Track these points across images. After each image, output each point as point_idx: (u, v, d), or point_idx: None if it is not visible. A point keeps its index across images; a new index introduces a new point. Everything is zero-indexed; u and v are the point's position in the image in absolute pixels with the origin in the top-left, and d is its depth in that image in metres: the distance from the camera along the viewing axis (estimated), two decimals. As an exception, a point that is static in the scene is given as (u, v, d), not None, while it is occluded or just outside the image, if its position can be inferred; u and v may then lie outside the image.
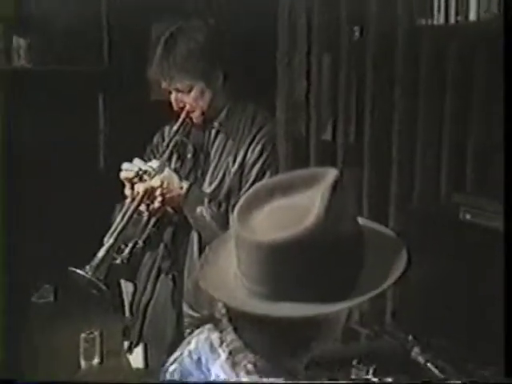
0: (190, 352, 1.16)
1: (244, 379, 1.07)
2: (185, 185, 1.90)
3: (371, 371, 1.76)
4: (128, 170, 1.86)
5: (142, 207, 1.86)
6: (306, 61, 1.99)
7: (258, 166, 1.94)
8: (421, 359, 1.36)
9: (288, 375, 1.09)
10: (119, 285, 2.39)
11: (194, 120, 1.97)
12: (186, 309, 1.99)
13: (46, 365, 2.33)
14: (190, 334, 1.23)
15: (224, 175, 1.96)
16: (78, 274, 1.76)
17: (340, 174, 1.08)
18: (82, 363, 2.30)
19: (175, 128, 1.97)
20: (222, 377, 1.08)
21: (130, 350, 2.12)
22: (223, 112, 2.00)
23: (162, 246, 2.02)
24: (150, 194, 1.85)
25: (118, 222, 1.82)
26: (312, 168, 1.19)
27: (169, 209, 1.92)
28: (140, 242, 1.90)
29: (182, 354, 1.18)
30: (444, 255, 1.93)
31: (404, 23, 1.91)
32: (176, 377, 1.15)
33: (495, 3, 1.68)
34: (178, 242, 2.01)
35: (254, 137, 1.97)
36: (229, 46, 2.03)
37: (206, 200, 1.91)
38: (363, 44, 1.97)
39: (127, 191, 1.87)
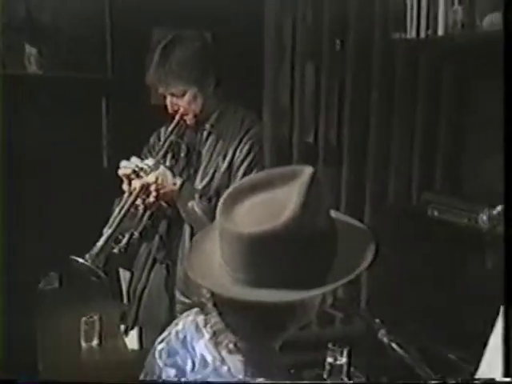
0: (177, 332, 1.17)
1: (226, 357, 1.08)
2: (178, 181, 1.90)
3: (345, 353, 1.76)
4: (126, 167, 1.86)
5: (139, 201, 1.85)
6: (290, 69, 1.99)
7: (245, 164, 1.94)
8: (386, 340, 1.37)
9: (264, 355, 1.09)
10: (118, 273, 2.39)
11: (188, 122, 1.97)
12: (178, 295, 1.99)
13: (51, 345, 2.33)
14: (180, 317, 1.24)
15: (214, 173, 1.96)
16: (79, 261, 1.76)
17: (316, 171, 1.10)
18: (83, 344, 2.29)
19: (170, 129, 1.97)
20: (206, 354, 1.09)
21: (126, 332, 2.12)
22: (214, 115, 2.00)
23: (156, 237, 2.02)
24: (145, 189, 1.85)
25: (116, 214, 1.82)
26: (290, 166, 1.20)
27: (163, 203, 1.91)
28: (136, 234, 1.89)
29: (169, 334, 1.18)
30: (414, 248, 1.94)
31: (380, 36, 1.93)
32: (164, 355, 1.15)
33: (459, 22, 1.70)
34: (172, 233, 2.01)
35: (242, 138, 1.97)
36: (221, 55, 2.03)
37: (198, 195, 1.91)
38: (344, 54, 1.98)
39: (125, 186, 1.87)
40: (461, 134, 1.98)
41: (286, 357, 1.84)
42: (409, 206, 2.03)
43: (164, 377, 1.13)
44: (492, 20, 1.61)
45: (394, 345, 1.35)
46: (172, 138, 1.97)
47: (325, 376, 1.78)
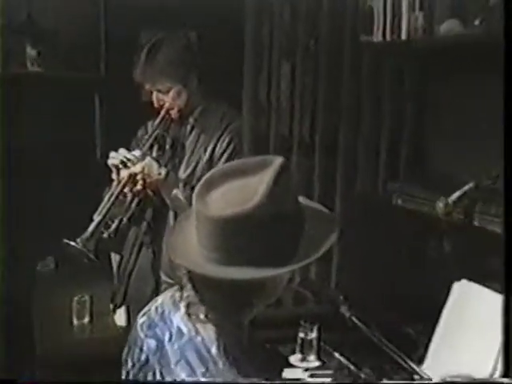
0: (156, 307, 1.18)
1: (199, 328, 1.09)
2: (163, 171, 1.91)
3: (315, 329, 1.79)
4: (114, 157, 1.87)
5: (126, 190, 1.87)
6: (268, 68, 2.00)
7: (225, 156, 1.95)
8: (347, 314, 1.39)
9: (235, 327, 1.11)
10: (109, 256, 2.39)
11: (173, 116, 1.98)
12: (163, 276, 2.01)
13: (47, 321, 2.34)
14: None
15: (197, 163, 1.97)
16: (71, 245, 1.77)
17: (285, 161, 1.11)
18: (75, 321, 2.30)
19: (156, 123, 1.98)
20: (182, 326, 1.11)
21: (115, 310, 2.14)
22: (197, 110, 2.01)
23: (144, 223, 2.03)
24: (133, 178, 1.86)
25: (106, 202, 1.83)
26: (262, 156, 1.21)
27: (149, 191, 1.92)
28: (125, 220, 1.91)
29: (150, 309, 1.20)
30: (379, 233, 1.97)
31: (350, 39, 1.94)
32: (145, 327, 1.17)
33: (420, 27, 1.72)
34: (158, 219, 2.02)
35: (223, 131, 1.98)
36: (203, 55, 2.04)
37: (181, 184, 1.92)
38: (317, 54, 1.99)
39: (114, 176, 1.88)
40: (422, 130, 2.01)
41: (263, 333, 1.87)
42: (375, 194, 2.05)
43: (145, 347, 1.14)
44: (449, 26, 1.64)
45: (354, 318, 1.37)
46: (158, 131, 1.98)
47: (297, 350, 1.81)
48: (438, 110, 1.91)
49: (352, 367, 1.69)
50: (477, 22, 1.50)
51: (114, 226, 1.86)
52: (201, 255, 1.07)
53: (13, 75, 2.71)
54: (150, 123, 2.07)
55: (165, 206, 1.96)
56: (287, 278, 1.16)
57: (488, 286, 1.46)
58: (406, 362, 1.35)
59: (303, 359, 1.77)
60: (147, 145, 1.94)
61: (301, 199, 1.15)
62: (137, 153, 1.89)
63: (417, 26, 1.73)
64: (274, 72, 2.00)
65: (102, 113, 3.02)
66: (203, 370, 1.05)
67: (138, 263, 2.08)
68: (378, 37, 1.85)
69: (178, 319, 1.11)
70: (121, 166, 1.85)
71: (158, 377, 1.09)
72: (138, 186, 1.86)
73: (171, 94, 1.93)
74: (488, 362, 1.33)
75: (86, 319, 2.31)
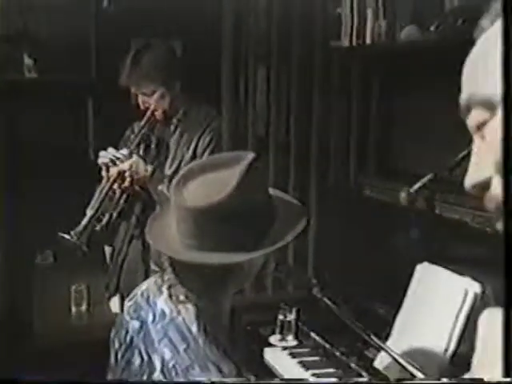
0: (142, 292, 1.20)
1: (181, 310, 1.11)
2: (149, 168, 1.92)
3: (293, 311, 1.81)
4: (104, 156, 1.88)
5: (116, 186, 1.88)
6: (244, 72, 2.02)
7: (207, 153, 1.96)
8: (319, 295, 1.42)
9: (214, 308, 1.14)
10: (103, 248, 2.40)
11: (157, 117, 1.99)
12: (152, 266, 2.01)
13: (47, 309, 2.35)
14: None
15: (181, 160, 1.98)
16: (66, 238, 1.78)
17: (256, 157, 1.14)
18: (73, 309, 2.31)
19: (142, 123, 1.99)
20: (165, 308, 1.12)
21: (109, 298, 2.15)
22: (180, 111, 2.02)
23: (133, 217, 2.03)
24: (121, 175, 1.87)
25: (97, 197, 1.84)
26: (235, 152, 1.23)
27: (137, 187, 1.93)
28: (115, 214, 1.92)
29: (136, 294, 1.22)
30: (351, 221, 1.99)
31: (320, 44, 1.97)
32: (131, 310, 1.18)
33: (383, 33, 1.75)
34: (146, 213, 2.02)
35: (204, 131, 1.99)
36: (185, 60, 2.05)
37: (167, 180, 1.93)
38: (290, 59, 2.02)
39: (104, 173, 1.89)
40: (388, 128, 2.04)
41: (246, 316, 1.89)
42: (347, 186, 2.08)
43: (130, 329, 1.16)
44: (408, 31, 1.67)
45: (325, 299, 1.40)
46: (144, 131, 1.99)
47: (276, 331, 1.83)
48: (402, 109, 1.95)
49: (327, 346, 1.72)
50: (432, 28, 1.53)
51: (105, 219, 1.87)
52: (178, 242, 1.09)
53: (10, 81, 2.71)
54: (136, 124, 2.08)
55: (152, 201, 1.97)
56: (260, 262, 1.17)
57: (448, 268, 1.50)
58: (371, 339, 1.38)
59: (282, 339, 1.80)
60: (134, 144, 1.95)
61: (271, 191, 1.17)
62: (125, 151, 1.90)
63: (380, 31, 1.76)
64: (250, 76, 2.02)
65: (94, 115, 3.03)
66: (185, 346, 1.06)
67: (129, 254, 2.08)
68: (345, 42, 1.88)
69: (162, 302, 1.13)
70: (110, 164, 1.86)
71: (144, 355, 1.11)
72: (127, 183, 1.87)
73: (155, 96, 1.95)
74: (444, 336, 1.36)
75: (83, 307, 2.32)
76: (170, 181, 1.93)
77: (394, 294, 1.60)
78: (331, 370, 1.62)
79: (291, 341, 1.79)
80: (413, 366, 1.24)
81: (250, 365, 1.64)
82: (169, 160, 2.00)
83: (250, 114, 2.02)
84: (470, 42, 0.49)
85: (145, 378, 1.08)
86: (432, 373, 1.26)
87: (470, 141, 0.50)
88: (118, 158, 1.86)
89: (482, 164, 0.47)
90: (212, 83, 2.02)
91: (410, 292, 1.54)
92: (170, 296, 1.12)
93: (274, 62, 2.01)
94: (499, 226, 0.46)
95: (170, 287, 1.13)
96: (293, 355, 1.72)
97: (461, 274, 1.42)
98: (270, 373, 1.69)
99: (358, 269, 1.90)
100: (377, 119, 2.01)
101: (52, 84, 2.85)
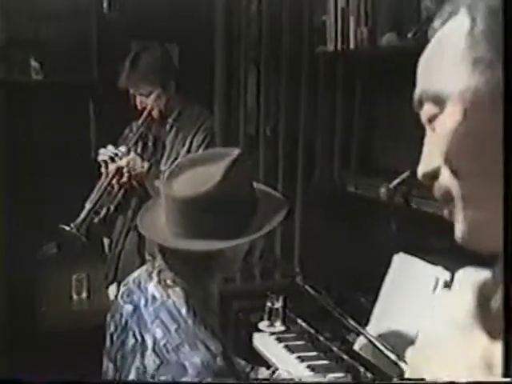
0: (134, 279, 1.22)
1: (170, 294, 1.13)
2: (146, 165, 1.93)
3: (281, 299, 1.83)
4: (104, 154, 1.90)
5: (114, 181, 1.89)
6: (236, 74, 2.04)
7: (200, 151, 1.98)
8: (301, 283, 1.44)
9: (201, 291, 1.16)
10: (102, 241, 2.41)
11: (154, 116, 2.00)
12: (147, 256, 2.02)
13: (50, 297, 2.36)
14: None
15: (176, 158, 1.98)
16: (66, 229, 1.79)
17: (242, 153, 1.16)
18: (74, 296, 2.33)
19: (140, 123, 2.00)
20: (155, 293, 1.14)
21: (108, 287, 2.16)
22: (176, 112, 2.03)
23: (130, 210, 2.04)
24: (119, 171, 1.88)
25: (96, 191, 1.85)
26: (223, 148, 1.25)
27: (134, 183, 1.94)
28: (112, 207, 1.93)
29: (129, 281, 1.24)
30: (336, 215, 2.01)
31: (307, 48, 1.99)
32: (124, 295, 1.20)
33: (365, 39, 1.77)
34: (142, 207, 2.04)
35: (198, 130, 2.00)
36: (180, 63, 2.07)
37: (162, 176, 1.94)
38: (279, 62, 2.03)
39: (103, 169, 1.90)
40: (370, 128, 2.06)
41: (236, 303, 1.91)
42: (331, 183, 2.10)
43: (124, 312, 1.18)
44: (388, 38, 1.69)
45: (307, 287, 1.42)
46: (142, 130, 2.00)
47: (265, 317, 1.85)
48: (383, 110, 1.97)
49: (312, 331, 1.75)
50: (410, 35, 1.55)
51: (103, 212, 1.89)
52: (167, 231, 1.11)
53: (18, 83, 2.72)
54: (134, 123, 2.08)
55: (148, 196, 1.97)
56: (244, 250, 1.19)
57: (422, 258, 1.52)
58: (349, 323, 1.41)
59: (270, 325, 1.81)
60: (132, 142, 1.96)
61: (255, 185, 1.20)
62: (123, 149, 1.91)
63: (362, 37, 1.78)
64: (241, 79, 2.04)
65: (95, 114, 3.04)
66: (176, 326, 1.09)
67: (125, 245, 2.09)
68: (330, 47, 1.90)
69: (152, 287, 1.15)
70: (109, 160, 1.87)
71: (138, 336, 1.13)
72: (124, 178, 1.88)
73: (152, 97, 1.96)
74: (417, 320, 1.38)
75: (84, 294, 2.34)
76: (166, 176, 1.96)
77: (374, 282, 1.63)
78: (315, 354, 1.64)
79: (279, 327, 1.81)
80: (385, 346, 1.27)
81: (240, 349, 1.67)
82: (164, 157, 2.01)
83: (241, 114, 2.04)
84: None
85: (138, 357, 1.10)
86: (405, 353, 1.28)
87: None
88: (116, 155, 1.88)
89: (432, 155, 0.48)
90: (205, 85, 2.04)
91: (387, 280, 1.56)
92: (160, 281, 1.14)
93: (263, 66, 2.02)
94: (445, 213, 0.48)
95: (159, 273, 1.15)
96: (280, 340, 1.74)
97: (434, 263, 1.45)
98: (258, 356, 1.71)
99: (340, 259, 1.93)
100: (360, 120, 2.03)
101: (57, 85, 2.86)
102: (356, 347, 1.54)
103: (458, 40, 0.45)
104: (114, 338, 1.18)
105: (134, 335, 1.13)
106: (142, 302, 1.14)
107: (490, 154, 0.43)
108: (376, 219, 1.89)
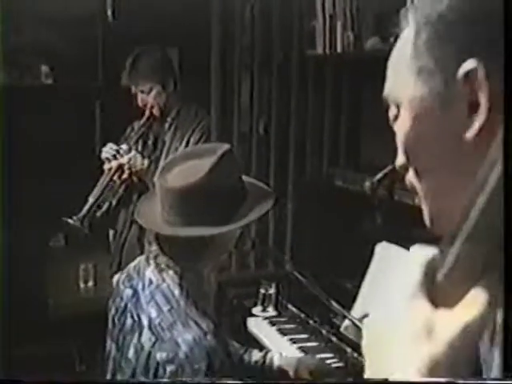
0: (134, 266, 1.23)
1: (165, 277, 1.15)
2: (146, 162, 1.95)
3: (273, 285, 1.85)
4: (106, 151, 1.91)
5: (115, 177, 1.90)
6: (231, 76, 2.04)
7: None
8: (290, 269, 1.46)
9: (194, 275, 1.17)
10: (107, 233, 2.43)
11: (155, 113, 2.01)
12: (146, 245, 2.04)
13: (59, 285, 2.38)
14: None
15: (175, 154, 2.01)
16: (70, 222, 1.81)
17: (231, 147, 1.18)
18: (81, 285, 2.34)
19: (142, 122, 2.02)
20: (152, 277, 1.16)
21: (112, 276, 2.17)
22: (174, 111, 2.04)
23: (131, 205, 2.06)
24: (121, 168, 1.90)
25: (98, 187, 1.87)
26: (214, 143, 1.27)
27: (135, 179, 1.96)
28: (114, 202, 1.94)
29: (129, 268, 1.25)
30: (325, 209, 2.02)
31: (297, 52, 2.00)
32: (125, 282, 1.21)
33: (351, 43, 1.78)
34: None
35: (195, 128, 2.01)
36: (178, 64, 2.08)
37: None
38: (271, 65, 2.04)
39: (106, 166, 1.91)
40: (357, 126, 2.07)
41: (231, 290, 1.92)
42: (320, 177, 2.11)
43: (124, 296, 1.19)
44: (372, 42, 1.70)
45: (295, 273, 1.43)
46: (142, 129, 2.02)
47: (258, 303, 1.87)
48: (369, 109, 1.98)
49: (303, 316, 1.76)
50: (392, 39, 1.56)
51: (105, 206, 1.90)
52: (161, 219, 1.13)
53: (30, 86, 2.73)
54: (136, 123, 2.10)
55: (148, 191, 1.99)
56: (234, 237, 1.21)
57: (404, 246, 1.53)
58: (334, 307, 1.42)
59: (263, 310, 1.83)
60: (133, 140, 1.98)
61: (244, 178, 1.21)
62: (124, 147, 1.92)
63: (349, 41, 1.79)
64: (236, 80, 2.04)
65: (101, 116, 3.05)
66: (169, 307, 1.11)
67: (128, 237, 2.10)
68: (319, 50, 1.91)
69: (149, 272, 1.17)
70: (111, 158, 1.89)
71: (135, 317, 1.15)
72: (125, 175, 1.90)
73: (152, 93, 1.97)
74: (398, 305, 1.39)
75: (91, 283, 2.35)
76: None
77: (359, 270, 1.64)
78: (306, 336, 1.67)
79: (271, 311, 1.82)
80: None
81: (235, 332, 1.69)
82: (163, 154, 2.02)
83: (236, 113, 2.04)
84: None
85: (136, 335, 1.12)
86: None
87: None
88: (118, 153, 1.89)
89: (399, 151, 0.50)
90: (203, 86, 2.05)
91: (370, 268, 1.57)
92: (156, 266, 1.15)
93: (256, 67, 2.03)
94: (417, 202, 0.49)
95: (155, 257, 1.16)
96: (272, 323, 1.76)
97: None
98: (253, 339, 1.73)
99: (329, 249, 1.94)
100: (347, 119, 2.04)
101: (65, 89, 2.87)
102: (342, 329, 1.55)
103: (407, 49, 0.46)
104: (116, 320, 1.20)
105: (132, 316, 1.14)
106: (140, 285, 1.16)
107: (445, 151, 0.44)
108: (362, 211, 1.91)
